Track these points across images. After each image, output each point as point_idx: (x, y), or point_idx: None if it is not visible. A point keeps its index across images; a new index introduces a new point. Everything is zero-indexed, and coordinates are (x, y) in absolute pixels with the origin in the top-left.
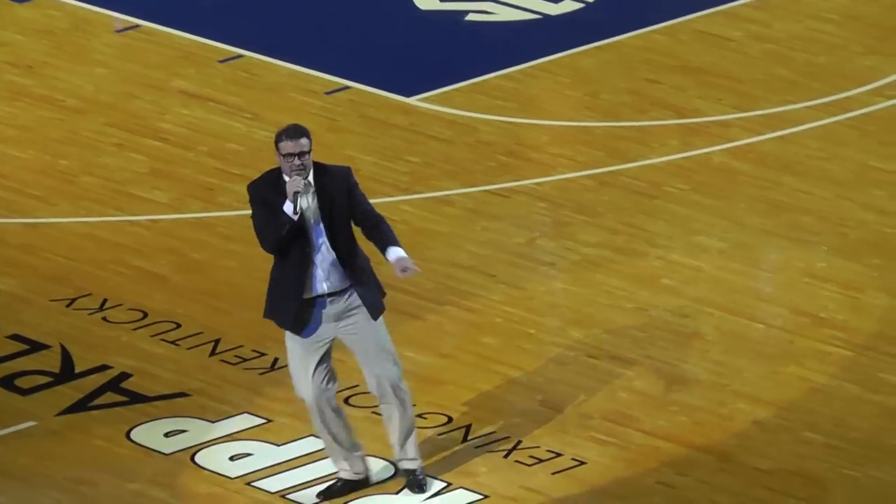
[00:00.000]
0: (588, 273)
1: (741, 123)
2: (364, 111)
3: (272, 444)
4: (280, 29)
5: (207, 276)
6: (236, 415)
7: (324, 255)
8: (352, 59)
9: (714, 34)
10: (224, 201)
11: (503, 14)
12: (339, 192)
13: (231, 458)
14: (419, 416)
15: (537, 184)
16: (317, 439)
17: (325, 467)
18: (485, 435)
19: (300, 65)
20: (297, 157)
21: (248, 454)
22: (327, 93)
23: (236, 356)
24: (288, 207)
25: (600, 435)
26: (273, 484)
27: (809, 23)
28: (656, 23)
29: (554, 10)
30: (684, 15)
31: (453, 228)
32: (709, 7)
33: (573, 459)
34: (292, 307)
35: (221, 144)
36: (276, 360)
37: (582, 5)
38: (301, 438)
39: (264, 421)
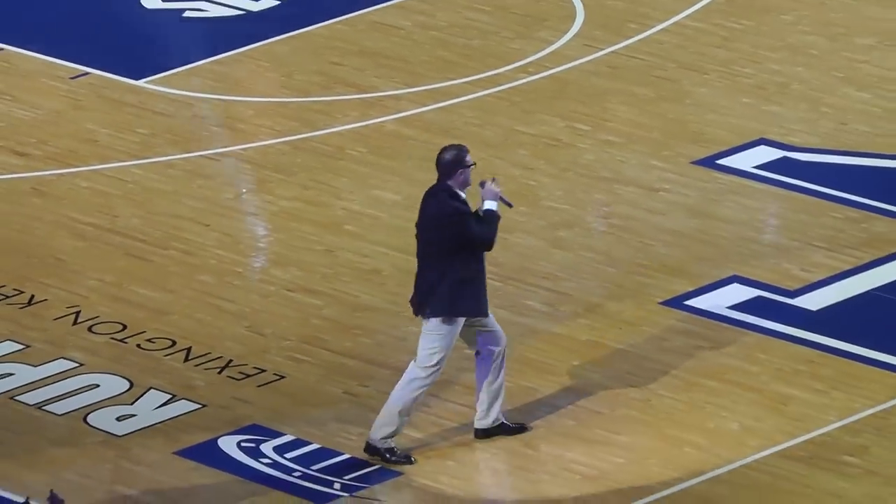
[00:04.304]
0: (285, 221)
1: (410, 97)
2: (102, 92)
3: (30, 365)
4: (32, 27)
5: None
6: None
7: None
8: (92, 49)
9: (387, 24)
10: None
11: (214, 11)
12: None
13: None
14: (149, 340)
15: (243, 149)
16: (66, 361)
17: (73, 384)
18: (202, 355)
19: (50, 55)
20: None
21: (11, 374)
22: (72, 77)
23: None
24: (495, 206)
25: (297, 354)
26: (31, 398)
27: (466, 13)
28: (339, 15)
29: (255, 6)
30: (362, 9)
31: (176, 187)
32: (382, 2)
33: (274, 374)
34: (482, 294)
35: None
36: (32, 296)
37: (278, 2)
38: (52, 360)
39: (23, 346)
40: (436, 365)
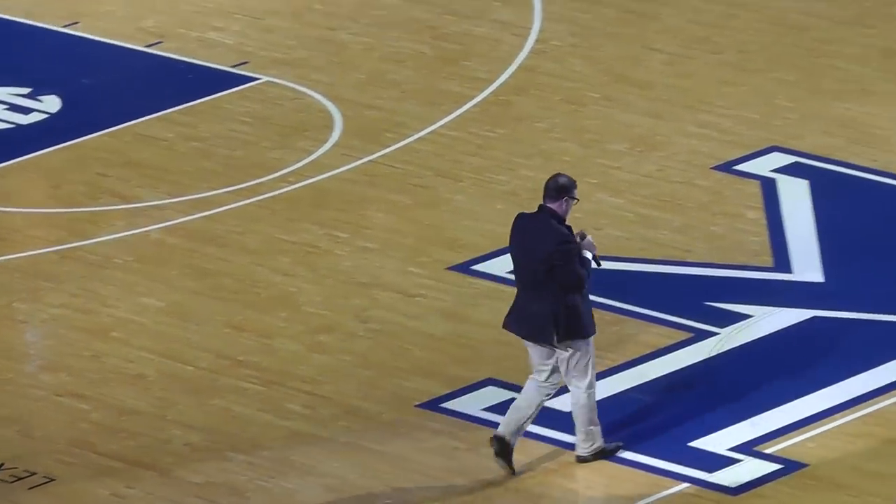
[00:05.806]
0: (54, 328)
1: (174, 206)
2: None
3: None
4: None
5: None
6: None
7: None
8: None
9: (151, 135)
10: None
11: None
12: None
13: None
14: None
15: (13, 259)
16: None
17: None
18: None
19: None
20: None
21: None
22: None
23: None
24: (590, 257)
25: (66, 457)
26: None
27: (228, 124)
28: (106, 128)
29: (25, 120)
30: (128, 121)
31: None
32: (147, 114)
33: (44, 477)
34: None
35: None
36: None
37: (47, 116)
38: None
39: None
40: (591, 375)
